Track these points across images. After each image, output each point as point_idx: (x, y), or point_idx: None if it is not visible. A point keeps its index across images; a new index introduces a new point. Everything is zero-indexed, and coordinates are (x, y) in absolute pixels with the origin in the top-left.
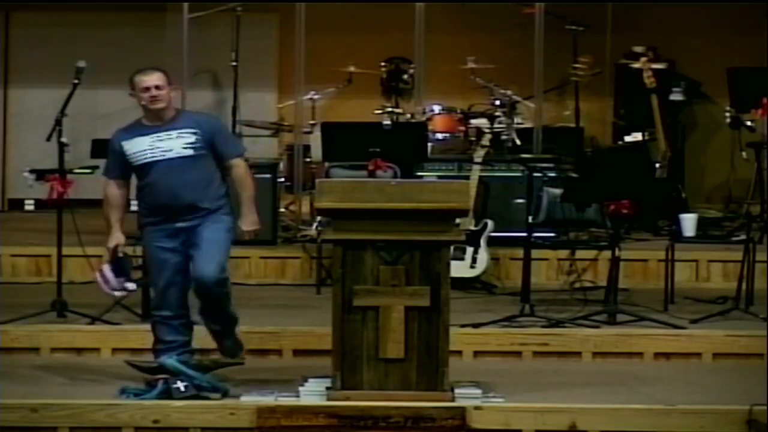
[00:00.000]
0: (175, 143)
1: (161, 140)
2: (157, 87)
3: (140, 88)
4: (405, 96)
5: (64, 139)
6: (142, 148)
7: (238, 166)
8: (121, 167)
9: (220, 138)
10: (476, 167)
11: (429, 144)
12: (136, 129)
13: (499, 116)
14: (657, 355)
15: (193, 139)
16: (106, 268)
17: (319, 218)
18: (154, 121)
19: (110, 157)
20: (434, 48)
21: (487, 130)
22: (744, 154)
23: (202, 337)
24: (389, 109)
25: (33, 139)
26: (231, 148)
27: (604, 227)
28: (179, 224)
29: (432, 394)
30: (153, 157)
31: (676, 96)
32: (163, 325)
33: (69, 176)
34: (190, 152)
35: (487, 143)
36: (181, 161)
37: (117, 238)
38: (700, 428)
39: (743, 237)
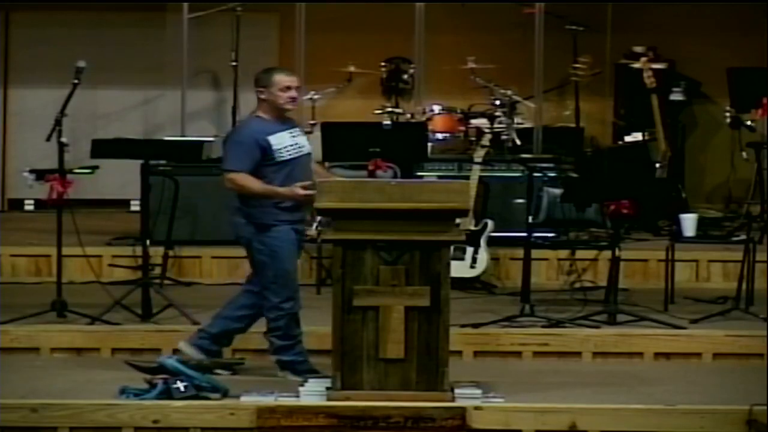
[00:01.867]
0: (305, 140)
1: (294, 136)
2: (297, 88)
3: (282, 86)
4: (405, 96)
5: (64, 139)
6: (287, 143)
7: (317, 167)
8: (255, 161)
9: None
10: (476, 167)
11: (429, 144)
12: (270, 125)
13: (499, 116)
14: (657, 355)
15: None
16: None
17: (319, 218)
18: (278, 118)
19: (247, 151)
20: (434, 48)
21: (487, 130)
22: (744, 154)
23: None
24: (389, 109)
25: (33, 139)
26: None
27: (604, 227)
28: (302, 226)
29: (432, 394)
30: (296, 152)
31: (676, 96)
32: (294, 320)
33: (69, 176)
34: (312, 150)
35: (487, 143)
36: (310, 158)
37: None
38: (700, 428)
39: (743, 237)
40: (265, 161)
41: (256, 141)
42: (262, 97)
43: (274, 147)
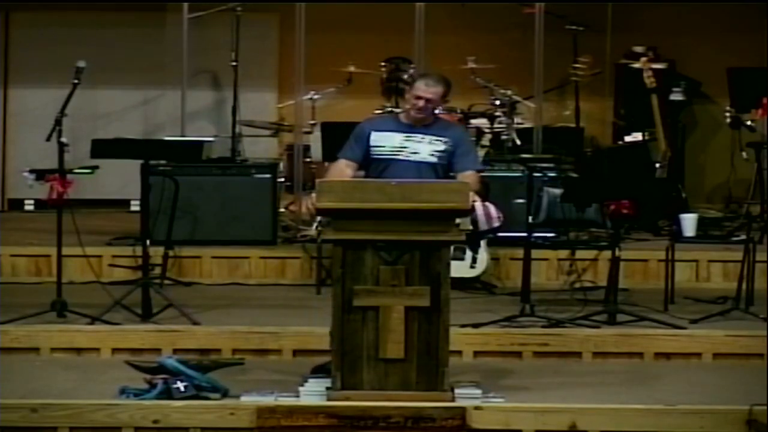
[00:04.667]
0: (425, 147)
1: (412, 141)
2: (428, 100)
3: (414, 94)
4: (405, 96)
5: (64, 139)
6: (391, 143)
7: (469, 177)
8: (359, 152)
9: (461, 150)
10: None
11: None
12: (390, 123)
13: (499, 116)
14: (657, 355)
15: (442, 147)
16: (489, 205)
17: (319, 218)
18: (411, 121)
19: (351, 141)
20: (434, 48)
21: (487, 130)
22: (744, 154)
23: (200, 336)
24: (389, 109)
25: (33, 139)
26: (467, 161)
27: (604, 227)
28: None
29: (432, 394)
30: (398, 154)
31: (676, 96)
32: None
33: (69, 176)
34: (435, 160)
35: (487, 143)
36: (424, 166)
37: None
38: (700, 428)
39: (743, 237)
40: (368, 154)
41: (363, 131)
42: (406, 96)
43: (372, 142)
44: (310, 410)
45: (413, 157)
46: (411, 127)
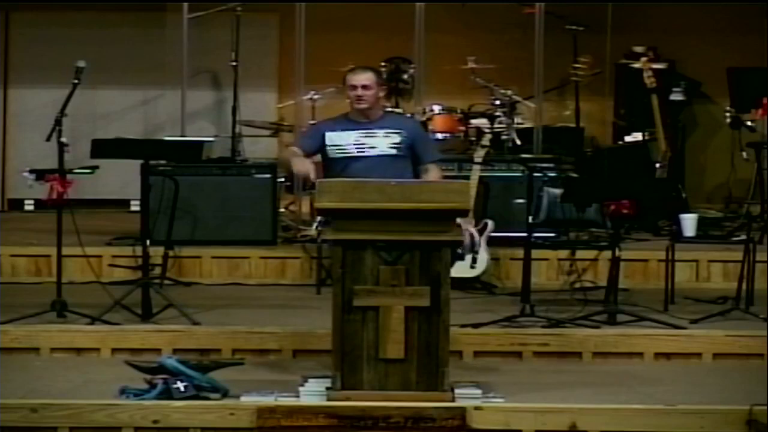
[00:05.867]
0: (382, 141)
1: (368, 137)
2: (364, 87)
3: (348, 85)
4: (405, 96)
5: (63, 139)
6: (347, 142)
7: (431, 171)
8: (312, 147)
9: (421, 142)
10: (476, 167)
11: None
12: (343, 123)
13: (499, 116)
14: (657, 355)
15: (398, 139)
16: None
17: (319, 218)
18: (360, 118)
19: (307, 137)
20: (434, 48)
21: (487, 130)
22: (744, 154)
23: (200, 336)
24: (389, 109)
25: (33, 139)
26: (429, 153)
27: (604, 227)
28: None
29: (432, 394)
30: (357, 152)
31: (676, 96)
32: None
33: (69, 176)
34: (394, 152)
35: (487, 143)
36: (386, 160)
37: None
38: (700, 428)
39: (743, 237)
40: (322, 154)
41: (319, 129)
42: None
43: (327, 143)
44: (310, 410)
45: (372, 152)
46: (363, 124)
